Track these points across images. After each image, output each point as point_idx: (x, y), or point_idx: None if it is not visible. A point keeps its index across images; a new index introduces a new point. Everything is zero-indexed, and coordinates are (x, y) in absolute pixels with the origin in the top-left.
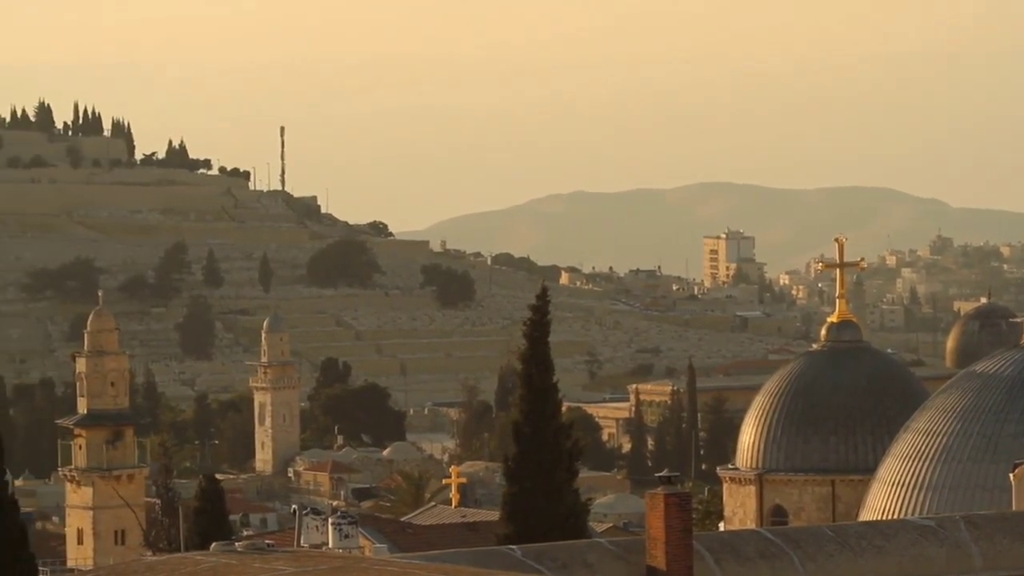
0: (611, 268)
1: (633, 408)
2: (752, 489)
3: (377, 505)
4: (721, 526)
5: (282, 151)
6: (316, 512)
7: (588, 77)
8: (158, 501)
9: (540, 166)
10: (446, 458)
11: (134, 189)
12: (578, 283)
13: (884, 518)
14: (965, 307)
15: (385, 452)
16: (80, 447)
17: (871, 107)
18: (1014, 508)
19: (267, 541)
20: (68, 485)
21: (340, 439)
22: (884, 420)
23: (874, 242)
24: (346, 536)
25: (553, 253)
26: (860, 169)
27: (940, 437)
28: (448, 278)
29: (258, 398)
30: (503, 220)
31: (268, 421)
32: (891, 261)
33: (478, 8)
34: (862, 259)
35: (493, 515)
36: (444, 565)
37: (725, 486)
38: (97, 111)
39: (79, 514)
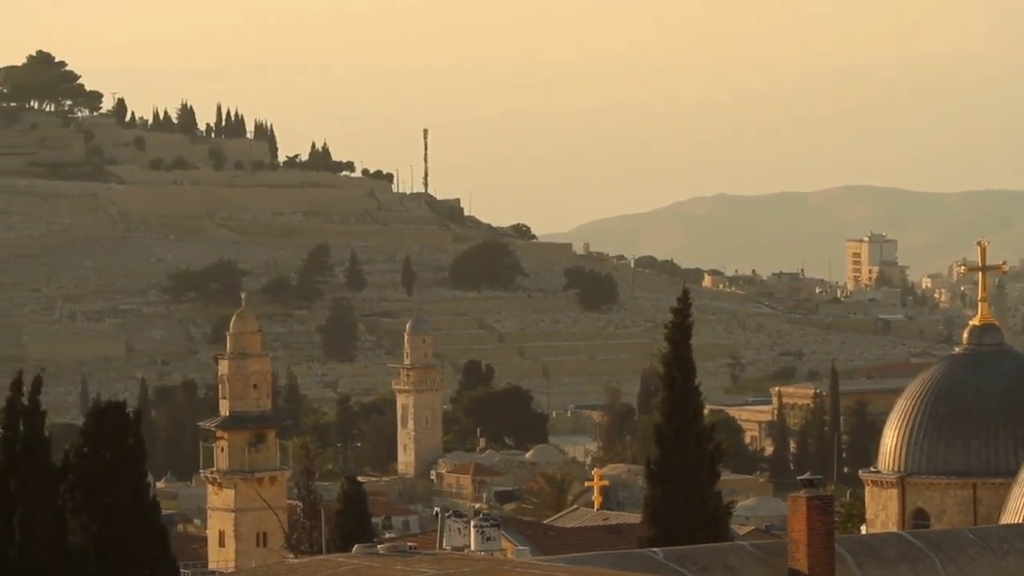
0: (754, 271)
1: (775, 411)
2: (894, 492)
3: (519, 507)
4: (863, 529)
5: (425, 153)
6: (458, 515)
7: (731, 79)
8: (300, 503)
9: (683, 169)
10: (588, 460)
11: (277, 191)
12: (721, 286)
13: None
14: None
15: (527, 454)
16: (222, 449)
17: (1014, 110)
18: None
19: (409, 543)
20: (210, 487)
21: (482, 441)
22: None
23: (1017, 245)
24: (488, 538)
25: (696, 256)
26: (1003, 172)
27: None
28: (591, 280)
29: (401, 400)
30: (646, 222)
31: (411, 423)
32: None
33: (620, 10)
34: (1004, 262)
35: (635, 518)
36: (586, 568)
37: (867, 489)
38: (240, 113)
39: (221, 516)
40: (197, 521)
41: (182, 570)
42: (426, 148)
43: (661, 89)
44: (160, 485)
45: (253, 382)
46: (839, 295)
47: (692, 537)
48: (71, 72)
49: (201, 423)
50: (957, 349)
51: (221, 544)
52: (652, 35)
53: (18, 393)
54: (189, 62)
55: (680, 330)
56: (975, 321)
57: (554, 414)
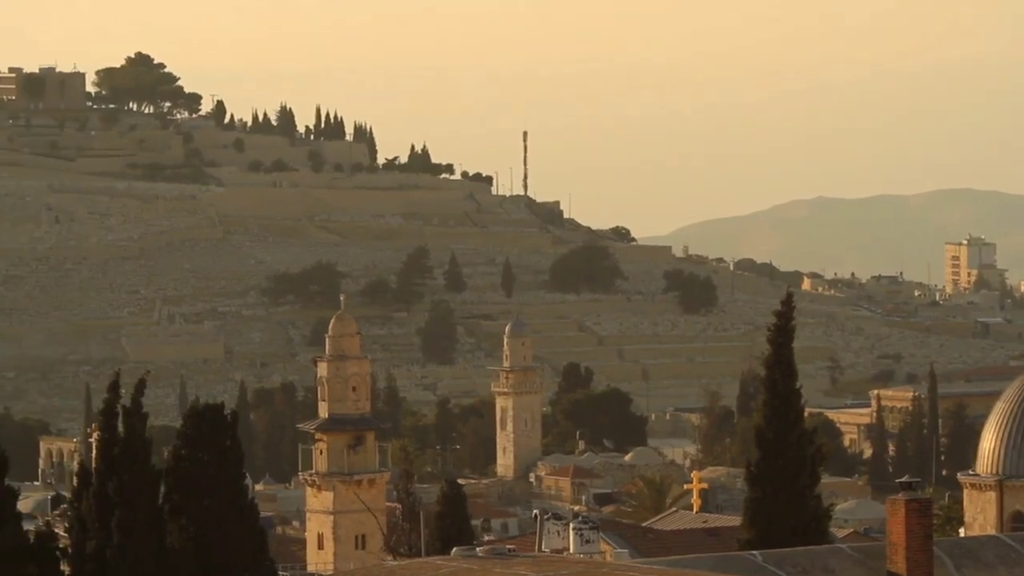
0: (853, 274)
1: (874, 414)
2: (992, 495)
3: (618, 510)
4: (961, 532)
5: (524, 156)
6: (557, 517)
7: (831, 81)
8: (399, 506)
9: (782, 171)
10: (687, 463)
11: (376, 194)
12: (820, 289)
13: None
14: None
15: (627, 457)
16: (321, 452)
17: None
18: None
19: (508, 546)
20: (309, 490)
21: (582, 444)
22: None
23: None
24: (587, 541)
25: (795, 259)
26: None
27: None
28: (690, 283)
29: (500, 403)
30: (745, 225)
31: (510, 426)
32: None
33: (720, 12)
34: None
35: (735, 520)
36: (685, 570)
37: (965, 492)
38: (339, 115)
39: (320, 519)
40: (296, 523)
41: (280, 572)
42: (526, 151)
43: (760, 92)
44: (259, 487)
45: (352, 384)
46: (938, 298)
47: (792, 540)
48: (170, 74)
49: (300, 425)
50: None
51: (320, 546)
52: (752, 38)
53: (115, 395)
54: (289, 64)
55: (782, 333)
56: None
57: (653, 417)
